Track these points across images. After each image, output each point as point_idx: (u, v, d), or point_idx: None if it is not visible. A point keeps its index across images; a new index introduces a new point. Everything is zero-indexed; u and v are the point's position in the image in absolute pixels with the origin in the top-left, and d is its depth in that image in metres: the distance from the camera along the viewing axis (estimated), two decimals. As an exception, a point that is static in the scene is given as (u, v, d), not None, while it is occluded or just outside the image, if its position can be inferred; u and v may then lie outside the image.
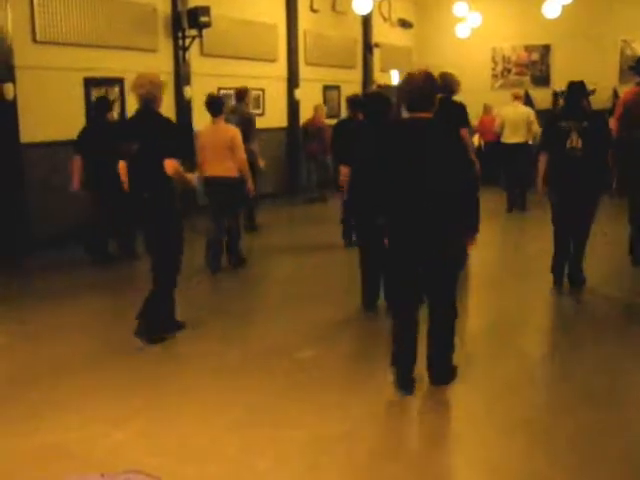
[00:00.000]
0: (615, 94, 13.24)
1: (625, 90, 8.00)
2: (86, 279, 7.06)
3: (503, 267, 7.68)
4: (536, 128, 11.16)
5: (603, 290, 6.51)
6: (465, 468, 3.52)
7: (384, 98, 5.86)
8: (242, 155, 6.97)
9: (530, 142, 10.94)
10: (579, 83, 6.33)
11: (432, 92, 4.12)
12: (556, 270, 6.48)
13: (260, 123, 11.90)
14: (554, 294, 6.43)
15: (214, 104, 7.07)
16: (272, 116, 12.23)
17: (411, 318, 4.25)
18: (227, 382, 4.48)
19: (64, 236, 8.36)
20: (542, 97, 14.78)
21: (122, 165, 5.25)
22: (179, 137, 5.26)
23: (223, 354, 5.01)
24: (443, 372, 4.34)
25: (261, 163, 9.00)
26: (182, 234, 5.26)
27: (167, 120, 5.24)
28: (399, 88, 4.25)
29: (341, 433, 3.79)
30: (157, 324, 5.22)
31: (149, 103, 5.08)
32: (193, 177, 5.59)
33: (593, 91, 6.42)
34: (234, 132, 7.02)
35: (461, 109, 7.10)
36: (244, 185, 7.11)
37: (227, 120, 7.60)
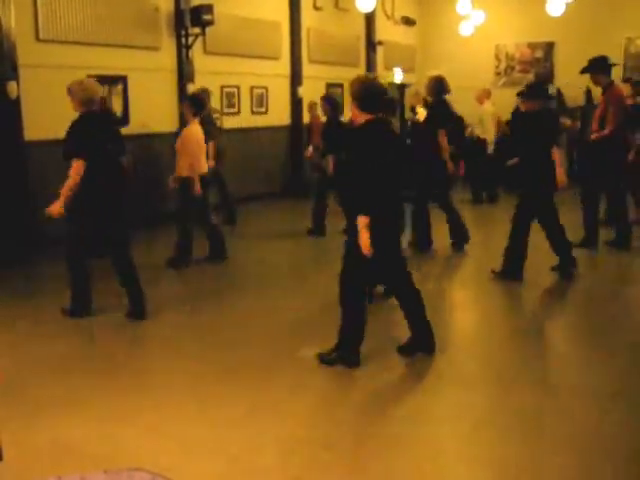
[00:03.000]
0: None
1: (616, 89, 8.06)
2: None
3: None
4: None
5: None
6: (469, 467, 3.53)
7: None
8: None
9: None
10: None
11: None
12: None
13: (263, 121, 11.94)
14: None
15: (199, 102, 7.34)
16: (275, 114, 12.24)
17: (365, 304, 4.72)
18: (230, 380, 4.49)
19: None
20: (546, 95, 14.76)
21: (82, 164, 5.38)
22: None
23: (226, 352, 5.02)
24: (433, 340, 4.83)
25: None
26: None
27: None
28: (357, 91, 4.44)
29: (345, 430, 3.80)
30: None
31: (96, 105, 5.49)
32: None
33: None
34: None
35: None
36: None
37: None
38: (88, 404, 4.14)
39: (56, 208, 5.35)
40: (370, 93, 4.41)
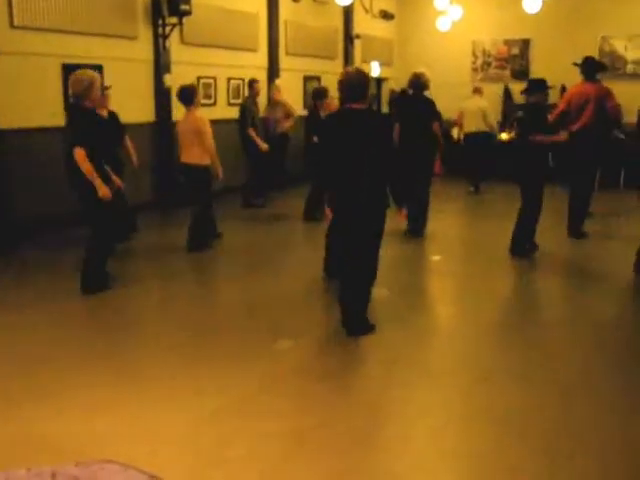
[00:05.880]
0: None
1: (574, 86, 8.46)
2: (70, 266, 6.99)
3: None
4: (490, 119, 11.94)
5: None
6: (444, 458, 3.56)
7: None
8: (209, 142, 7.34)
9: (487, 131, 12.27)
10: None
11: (365, 86, 4.85)
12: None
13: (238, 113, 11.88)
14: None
15: (184, 94, 7.46)
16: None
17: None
18: (203, 372, 4.48)
19: (46, 222, 8.28)
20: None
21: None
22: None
23: (199, 345, 5.00)
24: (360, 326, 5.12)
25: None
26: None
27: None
28: (339, 82, 4.90)
29: (316, 425, 3.80)
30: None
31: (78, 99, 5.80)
32: None
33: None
34: (201, 121, 7.40)
35: (431, 104, 8.21)
36: (209, 172, 7.50)
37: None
38: (60, 396, 4.11)
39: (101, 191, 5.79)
40: (341, 85, 4.89)
